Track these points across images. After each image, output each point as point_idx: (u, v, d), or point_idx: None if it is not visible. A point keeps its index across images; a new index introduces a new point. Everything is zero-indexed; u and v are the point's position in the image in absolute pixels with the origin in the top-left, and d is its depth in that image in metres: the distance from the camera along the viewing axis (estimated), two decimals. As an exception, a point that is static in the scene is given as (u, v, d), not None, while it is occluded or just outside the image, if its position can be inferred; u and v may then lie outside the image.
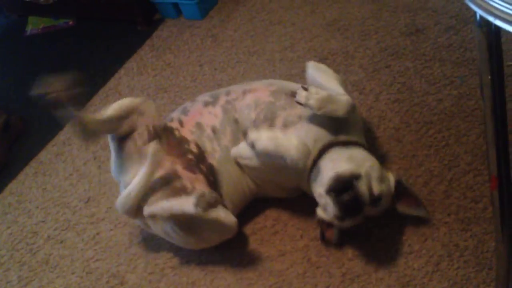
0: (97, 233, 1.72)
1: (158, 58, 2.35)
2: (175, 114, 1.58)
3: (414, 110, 1.70)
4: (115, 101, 1.69)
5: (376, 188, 1.28)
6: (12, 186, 2.00)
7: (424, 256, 1.34)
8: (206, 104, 1.55)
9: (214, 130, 1.50)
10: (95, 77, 2.34)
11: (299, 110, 1.41)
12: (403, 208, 1.38)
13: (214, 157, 1.48)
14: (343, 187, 1.27)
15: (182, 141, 1.49)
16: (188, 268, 1.52)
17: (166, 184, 1.41)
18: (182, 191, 1.39)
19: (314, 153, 1.36)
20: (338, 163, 1.32)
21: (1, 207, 1.93)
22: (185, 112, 1.56)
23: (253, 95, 1.51)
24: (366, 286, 1.33)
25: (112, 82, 2.30)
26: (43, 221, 1.83)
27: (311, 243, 1.46)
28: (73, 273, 1.63)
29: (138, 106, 1.47)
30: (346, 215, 1.28)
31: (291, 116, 1.43)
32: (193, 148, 1.48)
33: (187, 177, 1.43)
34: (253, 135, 1.37)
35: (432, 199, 1.46)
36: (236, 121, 1.50)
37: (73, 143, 2.07)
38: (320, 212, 1.37)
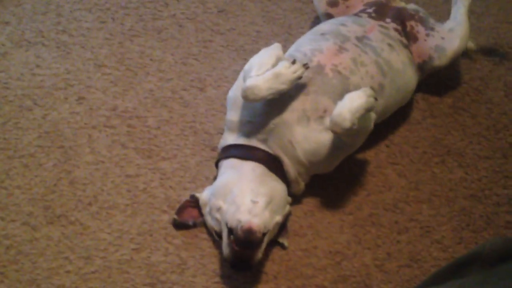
0: (210, 40, 1.80)
1: None
2: None
3: None
4: None
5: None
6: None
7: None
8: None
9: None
10: None
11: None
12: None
13: None
14: (248, 244, 1.14)
15: None
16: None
17: None
18: None
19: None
20: (256, 204, 1.17)
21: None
22: None
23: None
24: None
25: None
26: (174, 4, 1.92)
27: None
28: (172, 55, 1.74)
29: None
30: (235, 265, 1.19)
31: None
32: None
33: None
34: None
35: None
36: None
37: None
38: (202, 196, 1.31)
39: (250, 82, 1.23)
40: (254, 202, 1.18)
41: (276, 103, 1.29)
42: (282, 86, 1.23)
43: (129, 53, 1.74)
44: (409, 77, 1.50)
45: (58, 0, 1.89)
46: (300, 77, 1.26)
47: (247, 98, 1.24)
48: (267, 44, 1.79)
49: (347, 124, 1.19)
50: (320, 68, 1.33)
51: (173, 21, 1.86)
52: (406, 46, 1.51)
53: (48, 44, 1.74)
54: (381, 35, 1.47)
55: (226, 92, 1.62)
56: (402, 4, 1.60)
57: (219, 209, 1.22)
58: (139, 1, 1.91)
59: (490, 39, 1.79)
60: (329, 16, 1.63)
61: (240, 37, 1.82)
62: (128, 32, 1.81)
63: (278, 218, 1.23)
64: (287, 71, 1.24)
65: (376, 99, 1.27)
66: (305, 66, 1.27)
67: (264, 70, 1.25)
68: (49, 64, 1.68)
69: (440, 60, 1.53)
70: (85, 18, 1.83)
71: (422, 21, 1.56)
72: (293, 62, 1.26)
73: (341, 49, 1.38)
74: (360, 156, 1.49)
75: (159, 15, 1.87)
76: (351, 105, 1.21)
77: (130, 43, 1.77)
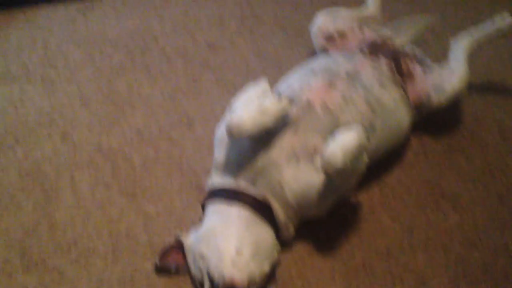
0: (199, 75, 1.77)
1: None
2: None
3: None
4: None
5: None
6: None
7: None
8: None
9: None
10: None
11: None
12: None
13: None
14: None
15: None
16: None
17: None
18: None
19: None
20: (241, 254, 1.12)
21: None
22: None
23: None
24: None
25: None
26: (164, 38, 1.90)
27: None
28: (160, 90, 1.71)
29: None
30: None
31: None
32: None
33: None
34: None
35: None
36: None
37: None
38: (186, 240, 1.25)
39: (234, 117, 1.19)
40: (239, 252, 1.12)
41: (264, 142, 1.24)
42: (267, 121, 1.19)
43: (116, 88, 1.70)
44: (402, 117, 1.46)
45: (46, 34, 1.86)
46: (285, 112, 1.22)
47: (232, 134, 1.19)
48: (257, 79, 1.77)
49: (339, 164, 1.14)
50: (309, 105, 1.30)
51: (162, 55, 1.83)
52: (400, 85, 1.48)
53: (34, 79, 1.70)
54: (372, 72, 1.44)
55: (214, 130, 1.59)
56: (399, 45, 1.58)
57: (202, 257, 1.16)
58: (128, 35, 1.89)
59: (483, 78, 1.77)
60: (324, 50, 1.63)
61: (229, 72, 1.79)
62: (116, 67, 1.77)
63: (266, 268, 1.17)
64: (272, 106, 1.20)
65: (368, 138, 1.23)
66: (291, 101, 1.24)
67: (251, 105, 1.21)
68: (34, 100, 1.64)
69: (438, 100, 1.49)
70: (73, 53, 1.80)
71: (419, 61, 1.53)
72: (279, 96, 1.23)
73: (331, 86, 1.35)
74: (353, 199, 1.44)
75: (148, 50, 1.85)
76: (342, 143, 1.16)
77: (118, 78, 1.74)
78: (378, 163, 1.46)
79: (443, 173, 1.52)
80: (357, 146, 1.17)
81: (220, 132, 1.32)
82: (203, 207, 1.31)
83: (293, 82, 1.39)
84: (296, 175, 1.23)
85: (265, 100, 1.21)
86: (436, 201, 1.46)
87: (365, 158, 1.25)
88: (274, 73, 1.77)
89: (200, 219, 1.30)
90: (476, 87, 1.73)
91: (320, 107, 1.29)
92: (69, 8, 1.97)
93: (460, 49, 1.56)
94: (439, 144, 1.59)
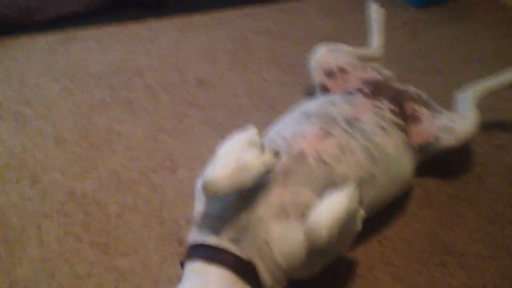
0: (185, 114, 1.65)
1: None
2: None
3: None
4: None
5: None
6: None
7: None
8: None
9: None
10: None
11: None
12: None
13: None
14: None
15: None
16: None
17: None
18: None
19: None
20: None
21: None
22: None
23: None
24: None
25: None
26: (150, 74, 1.79)
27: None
28: (143, 130, 1.59)
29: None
30: None
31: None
32: None
33: None
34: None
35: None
36: None
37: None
38: None
39: (210, 174, 1.03)
40: None
41: (250, 196, 1.10)
42: (246, 179, 1.03)
43: (95, 127, 1.58)
44: (404, 164, 1.34)
45: (23, 67, 1.75)
46: (269, 170, 1.08)
47: (207, 193, 1.04)
48: (248, 119, 1.66)
49: (323, 239, 1.00)
50: (301, 155, 1.16)
51: (147, 92, 1.72)
52: (402, 129, 1.36)
53: (6, 116, 1.58)
54: (374, 116, 1.32)
55: (199, 174, 1.46)
56: (403, 86, 1.48)
57: None
58: (112, 69, 1.78)
59: (491, 122, 1.66)
60: (324, 88, 1.52)
61: (219, 111, 1.68)
62: (97, 103, 1.66)
63: None
64: (254, 163, 1.04)
65: (362, 200, 1.09)
66: (277, 154, 1.10)
67: (231, 159, 1.07)
68: (4, 140, 1.51)
69: (448, 141, 1.38)
70: (50, 87, 1.69)
71: (425, 104, 1.43)
72: (264, 149, 1.07)
73: (326, 134, 1.21)
74: (349, 254, 1.30)
75: (132, 85, 1.74)
76: (328, 213, 1.01)
77: (98, 116, 1.61)
78: (378, 215, 1.33)
79: (448, 225, 1.39)
80: (346, 213, 1.03)
81: (200, 184, 1.18)
82: (182, 264, 1.17)
83: (286, 128, 1.26)
84: (285, 233, 1.09)
85: (247, 153, 1.07)
86: (440, 257, 1.32)
87: (362, 214, 1.11)
88: (267, 113, 1.66)
89: (179, 277, 1.16)
90: (484, 132, 1.61)
91: (313, 158, 1.16)
92: (49, 40, 1.87)
93: (468, 98, 1.48)
94: (444, 193, 1.46)
